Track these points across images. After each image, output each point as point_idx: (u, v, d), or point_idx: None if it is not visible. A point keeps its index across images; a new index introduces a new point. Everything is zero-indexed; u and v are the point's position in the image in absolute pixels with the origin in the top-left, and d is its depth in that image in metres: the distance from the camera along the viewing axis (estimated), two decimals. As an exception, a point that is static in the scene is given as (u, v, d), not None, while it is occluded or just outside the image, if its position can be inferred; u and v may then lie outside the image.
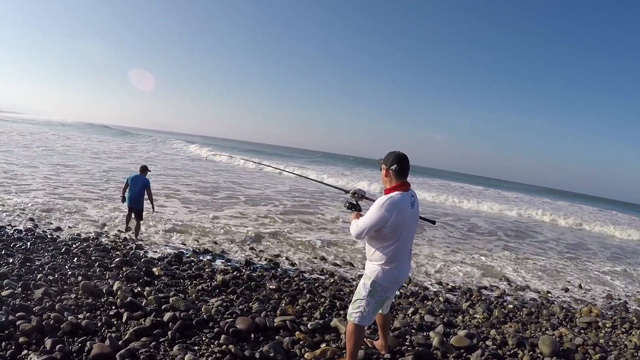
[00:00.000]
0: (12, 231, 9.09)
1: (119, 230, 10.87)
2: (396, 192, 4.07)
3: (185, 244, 10.27)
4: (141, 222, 10.65)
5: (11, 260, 6.93)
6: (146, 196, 10.64)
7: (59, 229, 10.08)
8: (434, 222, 5.74)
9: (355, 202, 4.75)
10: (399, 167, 4.11)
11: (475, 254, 14.06)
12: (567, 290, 10.96)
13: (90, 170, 22.19)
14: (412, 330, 6.13)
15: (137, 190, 10.45)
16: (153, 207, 10.98)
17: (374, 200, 4.41)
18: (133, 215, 10.72)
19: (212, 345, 4.93)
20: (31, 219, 10.57)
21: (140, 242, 9.93)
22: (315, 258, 10.75)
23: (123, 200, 10.94)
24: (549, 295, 10.10)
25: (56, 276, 6.46)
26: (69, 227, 10.46)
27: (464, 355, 5.47)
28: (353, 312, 4.35)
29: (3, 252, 7.30)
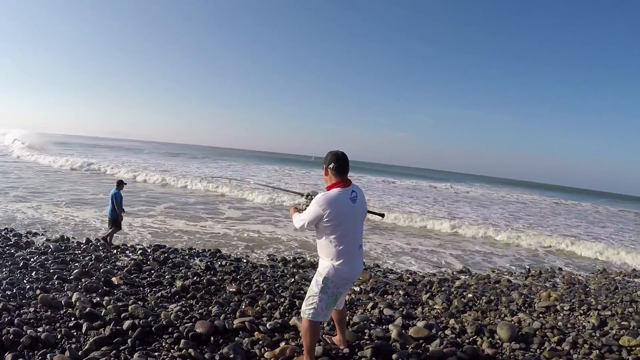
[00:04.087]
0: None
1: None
2: (333, 189, 4.27)
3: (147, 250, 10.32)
4: (112, 230, 11.73)
5: (-34, 278, 6.87)
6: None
7: (16, 243, 9.97)
8: (382, 215, 5.95)
9: (309, 204, 4.93)
10: (337, 165, 4.30)
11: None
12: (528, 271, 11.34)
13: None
14: (371, 325, 6.27)
15: (109, 202, 11.71)
16: (120, 217, 11.84)
17: None
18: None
19: (172, 351, 5.03)
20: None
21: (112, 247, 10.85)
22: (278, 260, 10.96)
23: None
24: (509, 283, 10.43)
25: (14, 291, 6.46)
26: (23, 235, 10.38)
27: (423, 345, 5.61)
28: (306, 308, 4.50)
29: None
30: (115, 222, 11.69)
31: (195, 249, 11.66)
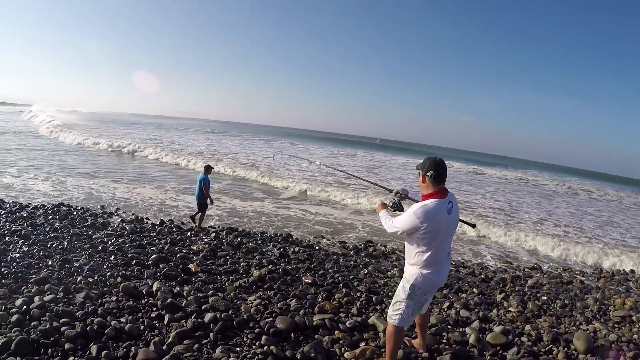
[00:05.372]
0: (48, 229, 9.17)
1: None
2: (431, 200, 4.05)
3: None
4: (201, 214, 11.90)
5: (50, 263, 6.99)
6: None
7: (93, 224, 10.17)
8: (474, 226, 5.72)
9: (397, 202, 4.73)
10: (435, 173, 4.08)
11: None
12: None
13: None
14: (449, 327, 6.08)
15: (197, 187, 11.83)
16: (211, 201, 12.05)
17: (416, 200, 4.47)
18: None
19: (253, 347, 4.94)
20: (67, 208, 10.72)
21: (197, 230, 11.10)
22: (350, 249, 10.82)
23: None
24: (582, 284, 9.87)
25: (96, 278, 6.51)
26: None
27: (500, 352, 5.42)
28: (393, 314, 4.39)
29: (42, 254, 7.37)
30: (203, 205, 11.86)
31: (267, 233, 11.62)
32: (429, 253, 4.10)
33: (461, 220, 4.71)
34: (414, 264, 4.25)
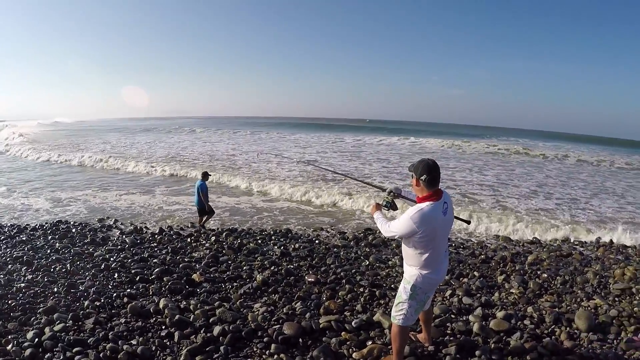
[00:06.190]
0: (49, 251, 9.24)
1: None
2: (427, 203, 4.07)
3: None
4: (205, 216, 12.39)
5: (55, 289, 7.07)
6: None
7: (93, 240, 10.24)
8: (469, 222, 5.79)
9: (391, 201, 4.78)
10: (429, 177, 4.08)
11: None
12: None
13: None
14: (452, 317, 6.18)
15: (195, 193, 12.25)
16: (208, 207, 12.31)
17: (409, 199, 4.59)
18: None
19: (264, 356, 5.05)
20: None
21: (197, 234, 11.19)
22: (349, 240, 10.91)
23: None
24: (581, 256, 9.97)
25: (102, 300, 6.58)
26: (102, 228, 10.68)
27: (504, 339, 5.50)
28: (396, 314, 4.48)
29: (46, 280, 7.45)
30: (202, 211, 12.23)
31: (266, 230, 11.74)
32: (427, 254, 4.16)
33: (456, 217, 4.78)
34: (413, 265, 4.32)
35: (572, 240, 11.91)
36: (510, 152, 39.42)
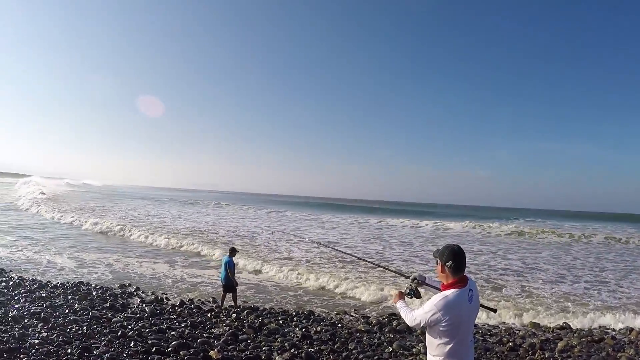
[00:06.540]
0: (67, 311, 9.06)
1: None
2: (452, 290, 3.91)
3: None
4: (232, 293, 11.94)
5: (69, 350, 6.82)
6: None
7: (112, 306, 10.02)
8: (495, 311, 5.54)
9: (415, 288, 4.58)
10: (454, 263, 3.95)
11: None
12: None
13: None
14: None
15: (223, 269, 11.91)
16: (235, 282, 11.99)
17: (434, 287, 4.36)
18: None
19: None
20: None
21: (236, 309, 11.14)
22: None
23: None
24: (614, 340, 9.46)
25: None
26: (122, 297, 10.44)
27: None
28: None
29: (61, 340, 7.22)
30: (228, 287, 11.91)
31: (288, 311, 11.41)
32: (451, 344, 3.93)
33: (482, 306, 4.54)
34: (437, 355, 4.06)
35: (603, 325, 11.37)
36: (537, 232, 38.64)
